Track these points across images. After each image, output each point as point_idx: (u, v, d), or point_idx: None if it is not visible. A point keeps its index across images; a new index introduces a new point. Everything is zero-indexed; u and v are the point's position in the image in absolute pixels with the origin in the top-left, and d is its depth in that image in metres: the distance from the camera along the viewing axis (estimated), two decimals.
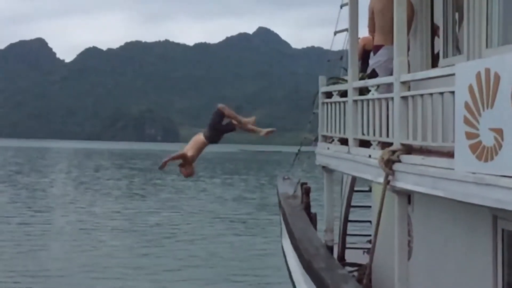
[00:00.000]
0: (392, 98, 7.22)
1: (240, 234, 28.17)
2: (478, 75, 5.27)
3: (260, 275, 19.80)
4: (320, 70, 11.88)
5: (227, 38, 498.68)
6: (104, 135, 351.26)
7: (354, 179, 11.80)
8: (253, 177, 67.57)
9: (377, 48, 8.91)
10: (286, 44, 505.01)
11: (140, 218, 32.59)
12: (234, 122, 8.27)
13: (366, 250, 11.63)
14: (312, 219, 11.90)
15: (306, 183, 13.11)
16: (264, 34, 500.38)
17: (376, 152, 7.59)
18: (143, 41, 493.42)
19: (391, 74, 7.54)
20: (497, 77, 5.00)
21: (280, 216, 13.74)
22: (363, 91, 8.57)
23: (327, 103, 10.05)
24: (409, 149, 6.96)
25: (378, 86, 8.21)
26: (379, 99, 7.74)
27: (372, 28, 9.25)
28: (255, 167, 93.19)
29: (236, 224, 31.41)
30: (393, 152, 6.98)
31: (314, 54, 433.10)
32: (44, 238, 25.66)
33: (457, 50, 7.56)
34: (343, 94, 9.21)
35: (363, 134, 8.39)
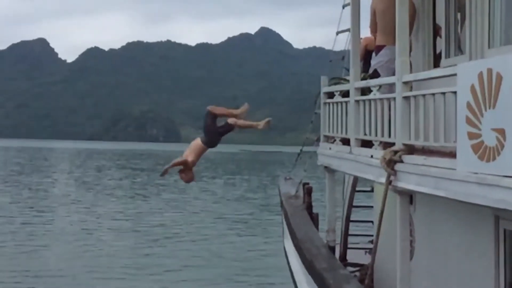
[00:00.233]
0: (394, 98, 7.22)
1: (242, 234, 28.18)
2: (480, 75, 5.27)
3: (262, 275, 19.80)
4: (322, 70, 11.86)
5: (229, 39, 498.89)
6: (105, 135, 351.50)
7: (356, 179, 11.79)
8: (255, 177, 67.57)
9: (379, 49, 8.91)
10: (288, 44, 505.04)
11: (142, 218, 32.61)
12: (230, 121, 8.24)
13: (368, 250, 11.62)
14: (314, 219, 11.88)
15: (308, 183, 13.09)
16: (266, 34, 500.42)
17: (378, 152, 7.58)
18: (145, 41, 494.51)
19: (393, 74, 7.54)
20: (499, 77, 5.00)
21: (282, 216, 13.74)
22: (365, 91, 8.56)
23: (329, 103, 10.04)
24: (411, 149, 6.95)
25: (380, 86, 8.20)
26: (381, 99, 7.74)
27: (374, 28, 9.24)
28: (257, 167, 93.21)
29: (238, 224, 31.43)
30: (395, 152, 6.97)
31: (316, 54, 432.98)
32: (46, 238, 25.68)
33: (459, 50, 7.56)
34: (345, 94, 9.20)
35: (365, 134, 8.38)
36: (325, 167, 10.37)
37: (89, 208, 36.03)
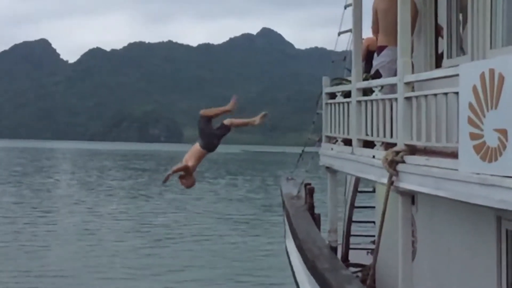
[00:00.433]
0: (396, 99, 7.22)
1: (244, 235, 28.19)
2: (482, 75, 5.27)
3: (264, 275, 19.82)
4: (324, 71, 11.86)
5: (231, 39, 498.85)
6: (107, 136, 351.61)
7: (358, 180, 11.79)
8: (257, 178, 67.56)
9: (380, 49, 8.91)
10: (289, 44, 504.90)
11: (145, 218, 32.64)
12: (226, 122, 8.23)
13: (370, 250, 11.62)
14: (316, 219, 11.88)
15: (309, 184, 13.09)
16: (268, 34, 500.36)
17: (380, 153, 7.58)
18: (147, 42, 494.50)
19: (395, 74, 7.54)
20: (501, 78, 5.00)
21: (283, 217, 13.75)
22: (367, 91, 8.56)
23: (330, 103, 10.04)
24: (413, 150, 6.95)
25: (382, 86, 8.20)
26: (383, 99, 7.74)
27: (376, 29, 9.24)
28: (259, 167, 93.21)
29: (240, 225, 31.44)
30: (397, 152, 6.97)
31: (317, 54, 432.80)
32: (49, 238, 25.73)
33: (461, 50, 7.56)
34: (347, 94, 9.21)
35: (367, 134, 8.38)
36: (327, 167, 10.37)
37: (91, 209, 36.07)
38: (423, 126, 6.59)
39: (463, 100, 5.60)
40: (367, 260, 11.00)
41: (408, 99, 6.94)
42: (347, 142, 9.21)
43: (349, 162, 8.93)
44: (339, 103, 9.54)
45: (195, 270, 20.54)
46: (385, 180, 7.16)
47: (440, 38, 8.31)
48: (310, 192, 12.50)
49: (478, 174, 5.34)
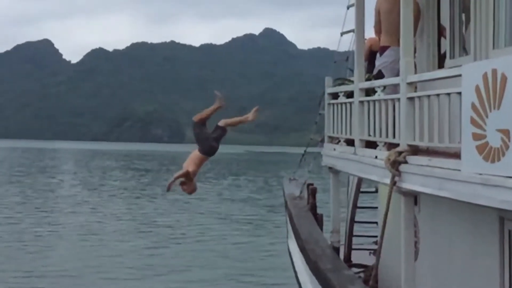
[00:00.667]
0: (399, 99, 7.22)
1: (246, 235, 28.20)
2: (485, 76, 5.27)
3: (266, 275, 19.82)
4: (326, 71, 11.87)
5: (233, 39, 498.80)
6: (110, 136, 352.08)
7: (360, 180, 11.79)
8: (259, 178, 67.55)
9: (383, 49, 8.90)
10: (292, 45, 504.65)
11: (148, 219, 32.66)
12: (220, 124, 8.22)
13: (372, 251, 11.62)
14: (318, 220, 11.90)
15: (312, 184, 13.10)
16: (270, 35, 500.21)
17: (382, 153, 7.58)
18: (149, 42, 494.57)
19: (398, 75, 7.53)
20: (504, 78, 5.00)
21: (286, 217, 13.75)
22: (370, 92, 8.56)
23: (333, 104, 10.04)
24: (415, 150, 6.95)
25: (384, 87, 8.20)
26: (385, 100, 7.74)
27: (378, 29, 9.24)
28: (261, 168, 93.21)
29: (243, 225, 31.45)
30: (400, 153, 6.97)
31: (320, 55, 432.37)
32: (52, 238, 25.76)
33: (464, 50, 7.55)
34: (349, 95, 9.21)
35: (369, 135, 8.38)
36: (330, 168, 10.37)
37: (94, 209, 36.11)
38: (426, 126, 6.58)
39: (465, 101, 5.60)
40: (369, 260, 11.00)
41: (411, 99, 6.94)
42: (350, 143, 9.21)
43: (351, 162, 8.93)
44: (341, 104, 9.54)
45: (198, 270, 20.55)
46: (387, 181, 7.16)
47: (442, 38, 8.30)
48: (312, 192, 12.51)
49: (481, 174, 5.33)
